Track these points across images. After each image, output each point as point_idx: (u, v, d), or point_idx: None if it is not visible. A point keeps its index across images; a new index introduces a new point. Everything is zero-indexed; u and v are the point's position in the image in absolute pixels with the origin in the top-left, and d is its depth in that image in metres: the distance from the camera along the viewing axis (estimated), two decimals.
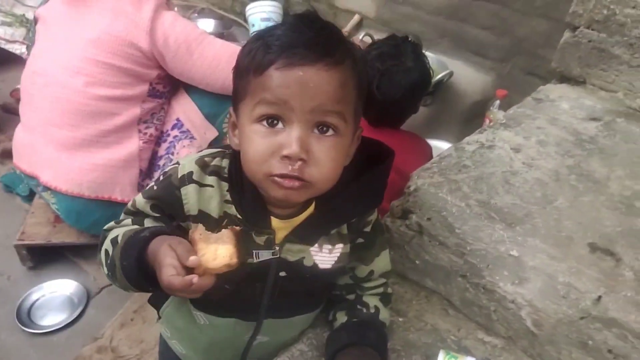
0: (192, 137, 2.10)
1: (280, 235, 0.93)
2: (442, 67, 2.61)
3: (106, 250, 0.92)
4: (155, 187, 0.95)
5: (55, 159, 1.95)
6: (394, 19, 2.89)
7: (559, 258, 1.08)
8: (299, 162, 0.80)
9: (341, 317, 1.07)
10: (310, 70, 0.78)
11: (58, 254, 2.28)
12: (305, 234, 0.95)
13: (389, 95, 1.59)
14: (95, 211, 2.03)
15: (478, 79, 2.73)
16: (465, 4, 2.60)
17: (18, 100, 2.22)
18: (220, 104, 2.11)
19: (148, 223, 0.94)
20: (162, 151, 2.10)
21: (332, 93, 0.80)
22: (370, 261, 1.05)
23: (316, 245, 0.96)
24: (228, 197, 0.92)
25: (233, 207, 0.92)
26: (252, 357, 1.13)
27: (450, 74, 2.63)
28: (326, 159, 0.82)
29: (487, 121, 2.49)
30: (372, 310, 1.06)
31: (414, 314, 1.23)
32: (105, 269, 0.93)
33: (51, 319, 2.09)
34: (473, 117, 2.73)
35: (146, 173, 2.09)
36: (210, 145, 2.14)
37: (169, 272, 0.75)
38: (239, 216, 0.92)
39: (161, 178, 0.94)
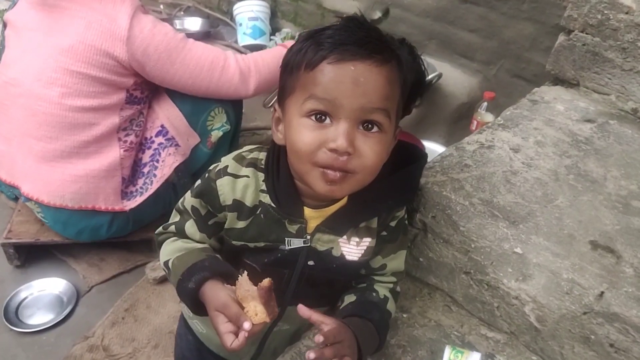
0: (177, 145, 2.07)
1: (311, 224, 0.98)
2: (430, 69, 2.64)
3: (164, 270, 1.04)
4: (199, 182, 1.02)
5: (35, 171, 1.91)
6: (382, 21, 2.92)
7: (561, 255, 1.11)
8: (345, 156, 0.84)
9: (350, 298, 1.09)
10: (361, 65, 0.82)
11: (46, 252, 2.24)
12: (336, 225, 0.98)
13: None
14: (80, 221, 2.01)
15: (465, 81, 2.77)
16: (453, 6, 2.64)
17: None
18: (200, 104, 2.09)
19: (189, 227, 1.03)
20: (146, 158, 2.07)
21: (380, 89, 0.84)
22: (387, 255, 1.07)
23: (345, 236, 1.00)
24: (263, 186, 0.97)
25: (268, 196, 0.97)
26: (270, 344, 1.16)
27: (439, 76, 2.66)
28: (370, 153, 0.86)
29: (475, 123, 2.54)
30: (381, 297, 1.08)
31: (418, 310, 1.25)
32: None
33: (40, 318, 2.05)
34: (460, 118, 2.77)
35: (129, 180, 2.06)
36: (196, 150, 2.11)
37: (229, 340, 0.86)
38: (272, 204, 0.96)
39: (206, 175, 1.01)
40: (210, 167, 1.03)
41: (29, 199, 1.98)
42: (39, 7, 1.81)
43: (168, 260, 1.01)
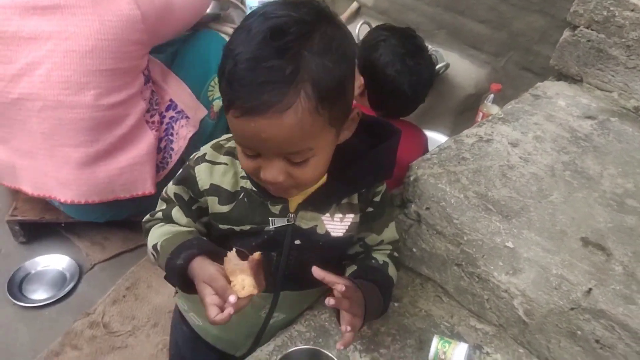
0: (187, 117, 2.12)
1: (294, 203, 1.00)
2: (439, 58, 2.64)
3: (152, 254, 1.05)
4: (180, 171, 1.06)
5: (75, 178, 1.90)
6: (392, 8, 2.90)
7: (552, 251, 1.12)
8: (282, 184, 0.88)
9: (351, 269, 1.11)
10: (262, 120, 0.79)
11: (51, 229, 2.28)
12: (318, 203, 1.01)
13: (417, 92, 1.63)
14: (118, 208, 2.07)
15: (473, 72, 2.76)
16: None
17: None
18: (201, 75, 2.15)
19: (175, 212, 1.06)
20: (161, 133, 2.09)
21: (289, 137, 0.81)
22: (380, 231, 1.10)
23: (328, 214, 1.02)
24: (243, 173, 1.00)
25: (248, 181, 1.00)
26: (267, 336, 1.18)
27: (447, 66, 2.65)
28: (308, 174, 0.89)
29: (481, 114, 2.53)
30: (381, 262, 1.10)
31: (409, 300, 1.27)
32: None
33: (42, 294, 2.10)
34: (466, 109, 2.77)
35: None
36: (202, 123, 2.17)
37: (213, 312, 0.86)
38: (254, 189, 0.99)
39: (186, 164, 1.05)
40: (191, 157, 1.06)
41: (70, 204, 1.97)
42: (28, 13, 1.71)
43: (156, 244, 1.02)
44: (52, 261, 2.20)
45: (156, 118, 2.04)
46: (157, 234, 1.04)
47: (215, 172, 1.01)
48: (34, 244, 2.26)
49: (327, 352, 0.98)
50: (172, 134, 2.09)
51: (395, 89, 1.57)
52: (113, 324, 1.99)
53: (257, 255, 0.88)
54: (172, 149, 2.10)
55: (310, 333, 1.17)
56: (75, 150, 1.85)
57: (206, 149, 1.03)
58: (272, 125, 0.79)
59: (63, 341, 1.92)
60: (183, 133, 2.09)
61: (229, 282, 0.88)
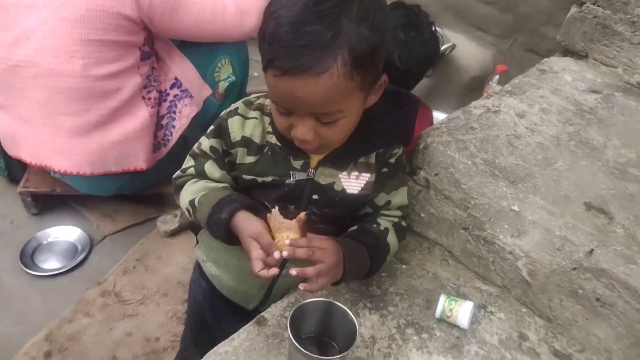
0: (191, 96, 2.14)
1: (314, 159, 1.06)
2: (445, 39, 2.66)
3: (188, 210, 1.10)
4: (212, 126, 1.11)
5: (69, 147, 1.93)
6: None
7: (556, 214, 1.16)
8: (310, 143, 0.94)
9: (351, 228, 1.16)
10: (299, 81, 0.85)
11: (62, 201, 2.32)
12: (337, 160, 1.06)
13: (409, 66, 1.65)
14: (111, 182, 2.09)
15: (478, 53, 2.78)
16: None
17: None
18: (208, 56, 2.16)
19: (209, 167, 1.11)
20: (163, 110, 2.12)
21: (322, 99, 0.87)
22: (389, 191, 1.14)
23: (345, 172, 1.07)
24: (269, 129, 1.06)
25: (274, 136, 1.05)
26: (279, 288, 1.23)
27: (453, 47, 2.68)
28: (333, 135, 0.95)
29: (485, 95, 2.56)
30: (382, 229, 1.14)
31: (417, 262, 1.31)
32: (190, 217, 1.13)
33: (54, 263, 2.14)
34: (471, 91, 2.79)
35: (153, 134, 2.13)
36: (206, 102, 2.18)
37: (258, 266, 0.93)
38: (278, 143, 1.05)
39: (217, 119, 1.11)
40: (222, 113, 1.11)
41: (64, 174, 2.01)
42: None
43: (194, 199, 1.07)
44: (63, 232, 2.24)
45: (153, 94, 2.04)
46: (193, 190, 1.09)
47: (247, 125, 1.07)
48: (46, 216, 2.30)
49: (341, 305, 1.02)
50: (174, 112, 2.11)
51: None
52: (124, 292, 2.04)
53: (302, 215, 0.95)
54: (174, 127, 2.12)
55: (322, 291, 1.21)
56: (68, 118, 1.88)
57: (238, 104, 1.09)
58: (308, 87, 0.85)
59: (75, 309, 1.96)
60: (186, 112, 2.12)
61: (273, 238, 0.94)
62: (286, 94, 0.87)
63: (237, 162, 1.09)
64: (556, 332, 1.17)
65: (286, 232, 0.94)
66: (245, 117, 1.07)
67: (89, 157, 1.95)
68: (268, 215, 0.96)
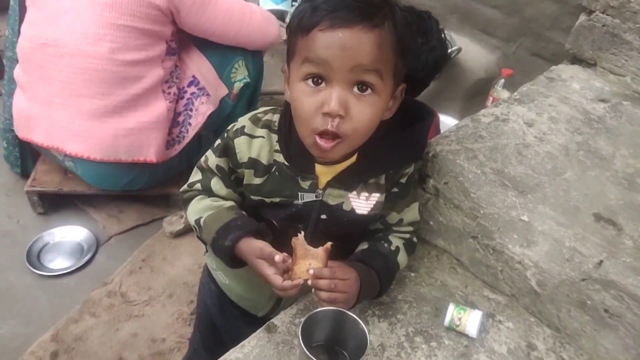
0: (208, 94, 2.16)
1: (323, 180, 1.05)
2: (451, 42, 2.67)
3: (194, 227, 1.12)
4: (219, 142, 1.10)
5: (84, 130, 1.96)
6: None
7: (566, 225, 1.17)
8: (337, 119, 0.90)
9: (362, 246, 1.16)
10: (350, 32, 0.87)
11: (68, 201, 2.34)
12: (346, 180, 1.05)
13: (414, 72, 1.65)
14: (121, 174, 2.11)
15: (484, 57, 2.79)
16: None
17: None
18: (226, 56, 2.19)
19: (215, 184, 1.11)
20: (180, 107, 2.15)
21: (369, 53, 0.88)
22: (401, 210, 1.14)
23: (355, 192, 1.07)
24: (277, 147, 1.04)
25: (281, 155, 1.04)
26: (287, 301, 1.24)
27: (459, 50, 2.69)
28: (362, 116, 0.92)
29: (491, 99, 2.57)
30: (392, 248, 1.15)
31: (425, 270, 1.32)
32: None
33: (60, 263, 2.15)
34: (477, 94, 2.81)
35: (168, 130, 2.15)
36: (222, 102, 2.23)
37: (279, 280, 0.95)
38: (286, 163, 1.03)
39: (224, 134, 1.09)
40: (229, 127, 1.10)
41: (74, 158, 2.02)
42: None
43: (200, 218, 1.08)
44: (70, 232, 2.26)
45: (173, 90, 2.07)
46: (199, 208, 1.10)
47: (254, 145, 1.05)
48: (52, 216, 2.32)
49: (351, 314, 1.03)
50: (191, 110, 2.13)
51: None
52: (130, 293, 2.05)
53: (329, 245, 0.96)
54: (190, 124, 2.15)
55: None
56: (88, 100, 1.91)
57: (244, 121, 1.07)
58: (359, 38, 0.87)
59: (82, 309, 1.98)
60: (202, 110, 2.14)
61: (294, 263, 0.96)
62: (332, 48, 0.87)
63: (245, 182, 1.08)
64: (564, 342, 1.18)
65: (310, 260, 0.95)
66: (252, 137, 1.06)
67: (102, 142, 1.97)
68: (294, 240, 0.96)
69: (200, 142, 2.22)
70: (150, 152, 2.04)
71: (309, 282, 0.94)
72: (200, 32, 2.06)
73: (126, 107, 1.95)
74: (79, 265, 2.13)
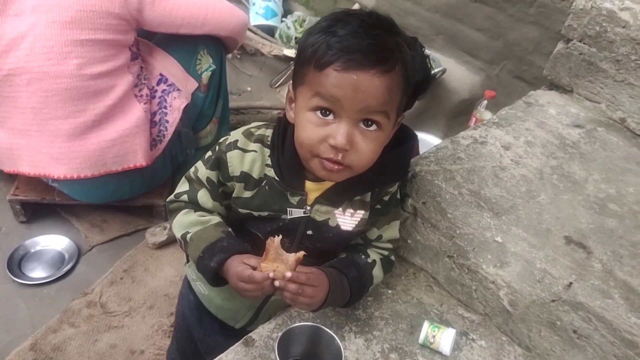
0: (178, 89, 2.17)
1: (311, 196, 1.08)
2: (436, 63, 2.72)
3: (179, 240, 1.14)
4: (211, 154, 1.11)
5: (67, 152, 1.95)
6: (392, 12, 2.93)
7: (537, 246, 1.21)
8: (343, 152, 0.95)
9: (340, 255, 1.19)
10: (364, 75, 0.90)
11: (51, 210, 2.34)
12: (334, 197, 1.08)
13: None
14: (105, 186, 2.11)
15: (468, 78, 2.86)
16: (462, 4, 2.72)
17: None
18: (188, 49, 2.20)
19: (202, 196, 1.12)
20: (154, 107, 2.15)
21: (380, 97, 0.92)
22: (381, 226, 1.17)
23: (340, 208, 1.10)
24: (269, 161, 1.07)
25: (272, 170, 1.07)
26: (266, 311, 1.25)
27: (443, 71, 2.74)
28: (367, 150, 0.97)
29: (474, 119, 2.62)
30: (369, 261, 1.17)
31: (402, 288, 1.35)
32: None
33: (41, 272, 2.15)
34: (460, 114, 2.86)
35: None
36: (194, 96, 2.23)
37: (247, 272, 0.99)
38: (276, 178, 1.06)
39: (216, 147, 1.11)
40: (220, 140, 1.12)
41: (64, 180, 2.02)
42: None
43: (186, 234, 1.10)
44: (52, 241, 2.25)
45: (145, 91, 2.08)
46: (186, 223, 1.11)
47: (246, 159, 1.07)
48: (34, 224, 2.31)
49: (328, 330, 1.05)
50: (165, 107, 2.14)
51: None
52: (110, 304, 2.05)
53: (301, 254, 0.97)
54: (167, 121, 2.16)
55: (309, 314, 1.24)
56: (64, 122, 1.90)
57: (237, 135, 1.09)
58: (372, 82, 0.90)
59: (61, 318, 1.97)
60: (177, 104, 2.15)
61: (263, 261, 0.98)
62: (345, 88, 0.90)
63: (234, 196, 1.10)
64: None
65: (278, 264, 0.97)
66: (245, 151, 1.08)
67: (88, 159, 1.97)
68: (269, 241, 0.98)
69: (181, 140, 2.23)
70: (138, 156, 2.05)
71: (277, 283, 0.96)
72: (170, 25, 2.03)
73: (104, 120, 1.95)
74: (59, 275, 2.12)
